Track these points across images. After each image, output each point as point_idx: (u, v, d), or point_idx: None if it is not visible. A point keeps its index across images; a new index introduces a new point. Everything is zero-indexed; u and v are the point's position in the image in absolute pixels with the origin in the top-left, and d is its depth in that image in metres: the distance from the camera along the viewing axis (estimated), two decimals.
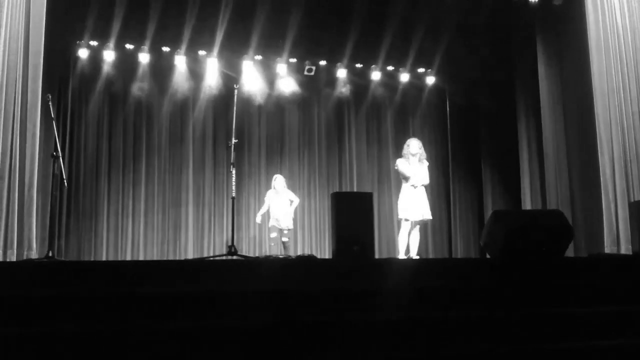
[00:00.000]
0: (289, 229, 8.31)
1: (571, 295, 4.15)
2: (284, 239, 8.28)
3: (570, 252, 6.27)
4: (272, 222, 8.27)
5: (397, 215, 7.52)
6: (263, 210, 8.37)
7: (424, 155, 7.43)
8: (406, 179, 7.24)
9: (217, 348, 3.21)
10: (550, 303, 4.06)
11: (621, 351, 3.58)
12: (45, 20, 6.03)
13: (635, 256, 5.38)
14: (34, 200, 5.79)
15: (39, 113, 5.88)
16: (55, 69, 7.36)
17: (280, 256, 7.25)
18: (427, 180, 7.35)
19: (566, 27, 7.95)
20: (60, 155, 5.56)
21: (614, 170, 6.88)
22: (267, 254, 8.09)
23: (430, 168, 7.58)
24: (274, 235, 8.26)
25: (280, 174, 8.86)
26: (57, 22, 6.73)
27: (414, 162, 7.27)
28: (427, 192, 7.46)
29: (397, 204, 7.56)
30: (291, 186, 9.44)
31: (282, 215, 8.20)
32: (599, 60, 7.10)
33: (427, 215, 7.29)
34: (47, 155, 6.10)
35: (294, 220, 8.60)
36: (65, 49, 8.02)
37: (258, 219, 8.40)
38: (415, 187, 7.19)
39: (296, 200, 8.43)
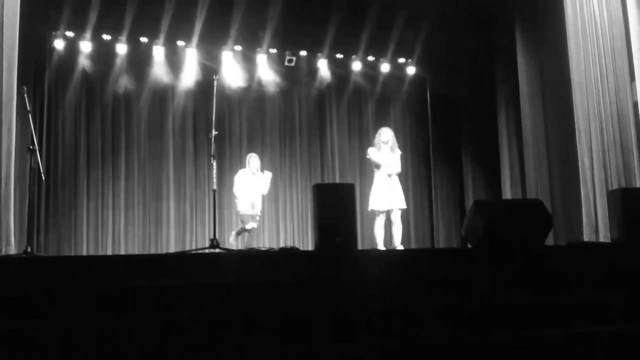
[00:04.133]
0: (260, 215, 7.92)
1: (551, 283, 4.21)
2: (254, 225, 7.81)
3: (550, 241, 6.34)
4: (245, 210, 7.74)
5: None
6: (238, 192, 7.79)
7: (396, 144, 7.36)
8: (378, 167, 7.16)
9: (197, 341, 3.20)
10: (530, 291, 4.11)
11: (600, 338, 3.64)
12: (20, 11, 5.90)
13: (614, 244, 5.46)
14: (11, 195, 5.69)
15: (14, 106, 5.76)
16: (31, 60, 7.23)
17: (263, 248, 7.23)
18: (399, 169, 7.25)
19: (545, 18, 8.00)
20: (37, 148, 5.48)
21: (592, 160, 6.95)
22: (250, 246, 8.01)
23: (411, 158, 7.61)
24: (250, 226, 7.79)
25: (262, 165, 8.75)
26: (32, 12, 6.60)
27: (385, 150, 7.22)
28: (401, 181, 7.38)
29: None
30: (273, 178, 9.39)
31: (257, 199, 7.78)
32: (577, 50, 7.16)
33: (401, 204, 7.15)
34: (23, 149, 6.00)
35: (276, 211, 8.47)
36: (40, 40, 7.89)
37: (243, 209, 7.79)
38: (390, 176, 7.12)
39: (266, 189, 7.94)
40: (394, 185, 7.14)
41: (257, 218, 7.94)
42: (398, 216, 7.20)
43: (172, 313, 3.43)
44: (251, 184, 7.83)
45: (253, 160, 7.97)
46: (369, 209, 7.35)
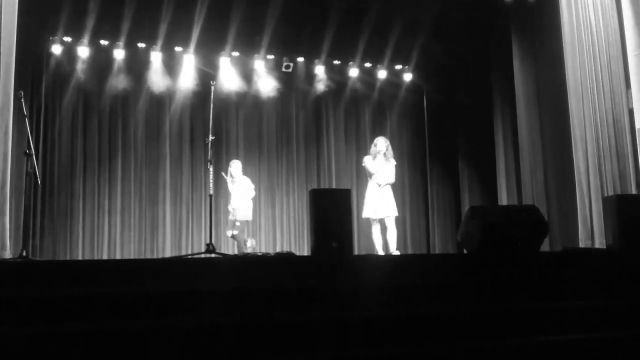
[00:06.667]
0: (246, 221, 7.89)
1: (546, 289, 4.21)
2: (234, 232, 7.77)
3: (545, 247, 6.35)
4: (229, 216, 7.89)
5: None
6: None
7: (391, 153, 7.47)
8: (370, 175, 7.32)
9: (193, 346, 3.19)
10: (526, 297, 4.12)
11: (595, 345, 3.64)
12: (18, 16, 5.91)
13: (609, 250, 5.48)
14: (7, 199, 5.69)
15: (11, 110, 5.76)
16: (28, 65, 7.23)
17: (259, 254, 7.20)
18: (392, 179, 7.35)
19: (541, 24, 8.05)
20: (34, 153, 5.47)
21: (587, 166, 6.99)
22: (246, 251, 7.99)
23: (407, 164, 7.64)
24: (229, 232, 7.86)
25: (258, 170, 8.76)
26: (29, 17, 6.61)
27: (380, 160, 7.33)
28: (398, 187, 7.48)
29: None
30: (269, 183, 9.40)
31: (241, 205, 7.79)
32: (572, 56, 7.20)
33: (391, 212, 7.26)
34: (20, 154, 5.98)
35: (272, 216, 8.39)
36: (38, 45, 7.89)
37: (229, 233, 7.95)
38: (380, 186, 7.23)
39: (252, 192, 7.97)
40: (384, 194, 7.25)
41: (238, 224, 7.82)
42: (392, 222, 7.30)
43: (167, 318, 3.42)
44: (234, 192, 7.90)
45: (232, 167, 8.02)
46: (362, 217, 7.46)
